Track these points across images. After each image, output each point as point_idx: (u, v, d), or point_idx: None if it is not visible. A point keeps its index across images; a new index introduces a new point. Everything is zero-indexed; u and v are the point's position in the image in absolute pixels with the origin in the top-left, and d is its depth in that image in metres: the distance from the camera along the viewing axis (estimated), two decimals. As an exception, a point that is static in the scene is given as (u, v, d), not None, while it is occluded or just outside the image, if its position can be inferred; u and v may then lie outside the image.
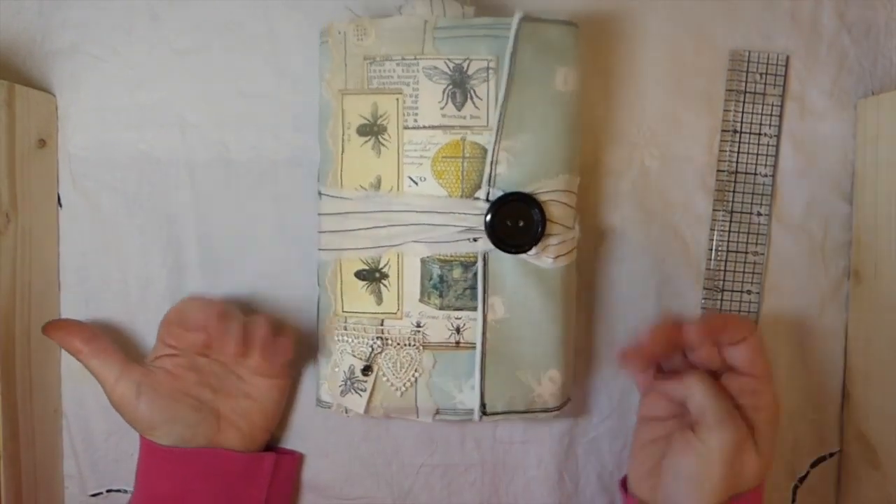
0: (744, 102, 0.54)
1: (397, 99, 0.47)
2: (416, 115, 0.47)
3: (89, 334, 0.49)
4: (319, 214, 0.49)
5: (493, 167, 0.47)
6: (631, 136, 0.54)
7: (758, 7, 0.54)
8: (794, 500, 0.56)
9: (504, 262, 0.47)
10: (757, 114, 0.54)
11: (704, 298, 0.55)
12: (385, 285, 0.48)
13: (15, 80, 0.49)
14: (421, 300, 0.48)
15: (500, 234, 0.46)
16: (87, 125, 0.53)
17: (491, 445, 0.55)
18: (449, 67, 0.47)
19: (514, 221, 0.46)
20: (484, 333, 0.48)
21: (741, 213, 0.55)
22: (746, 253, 0.55)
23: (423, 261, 0.48)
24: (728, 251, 0.55)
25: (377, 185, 0.48)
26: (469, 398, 0.48)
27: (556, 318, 0.48)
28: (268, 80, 0.53)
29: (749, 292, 0.55)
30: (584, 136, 0.53)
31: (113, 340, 0.50)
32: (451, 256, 0.48)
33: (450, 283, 0.48)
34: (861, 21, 0.55)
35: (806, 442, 0.56)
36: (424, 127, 0.47)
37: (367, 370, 0.48)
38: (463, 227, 0.47)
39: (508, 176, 0.47)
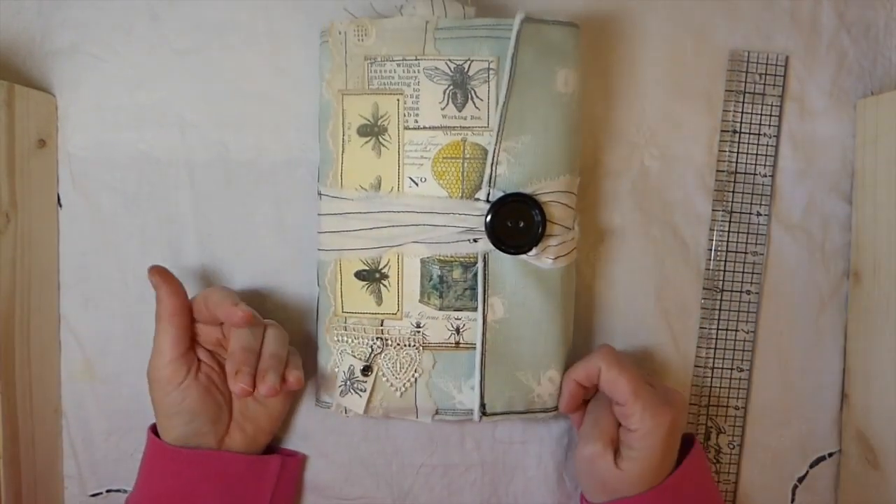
0: (743, 102, 0.54)
1: (398, 99, 0.47)
2: (417, 115, 0.47)
3: (181, 304, 0.48)
4: (319, 215, 0.49)
5: (494, 168, 0.47)
6: (631, 136, 0.54)
7: (758, 7, 0.54)
8: (793, 500, 0.56)
9: (504, 263, 0.47)
10: (756, 114, 0.55)
11: (704, 298, 0.55)
12: (385, 286, 0.48)
13: (15, 80, 0.49)
14: (421, 301, 0.48)
15: (501, 235, 0.46)
16: (87, 125, 0.53)
17: (491, 445, 0.55)
18: (450, 68, 0.47)
19: (515, 222, 0.46)
20: (484, 334, 0.48)
21: (741, 213, 0.55)
22: (746, 253, 0.55)
23: (423, 261, 0.48)
24: (728, 251, 0.55)
25: (377, 185, 0.48)
26: (469, 398, 0.49)
27: (556, 319, 0.48)
28: (268, 80, 0.53)
29: (749, 292, 0.55)
30: (584, 136, 0.53)
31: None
32: (451, 257, 0.48)
33: (450, 284, 0.48)
34: (861, 21, 0.55)
35: (805, 442, 0.56)
36: (425, 127, 0.47)
37: (366, 370, 0.49)
38: (463, 228, 0.47)
39: (509, 177, 0.47)
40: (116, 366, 0.54)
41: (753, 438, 0.56)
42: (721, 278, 0.55)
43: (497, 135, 0.46)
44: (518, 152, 0.47)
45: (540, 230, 0.46)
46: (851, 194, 0.55)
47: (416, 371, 0.48)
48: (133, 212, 0.54)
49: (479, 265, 0.47)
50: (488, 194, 0.47)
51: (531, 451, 0.55)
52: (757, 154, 0.55)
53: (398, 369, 0.48)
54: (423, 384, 0.49)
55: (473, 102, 0.47)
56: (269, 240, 0.54)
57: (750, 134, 0.55)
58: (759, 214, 0.55)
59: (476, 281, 0.48)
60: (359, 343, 0.49)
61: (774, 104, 0.55)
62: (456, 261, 0.48)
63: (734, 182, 0.55)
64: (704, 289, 0.55)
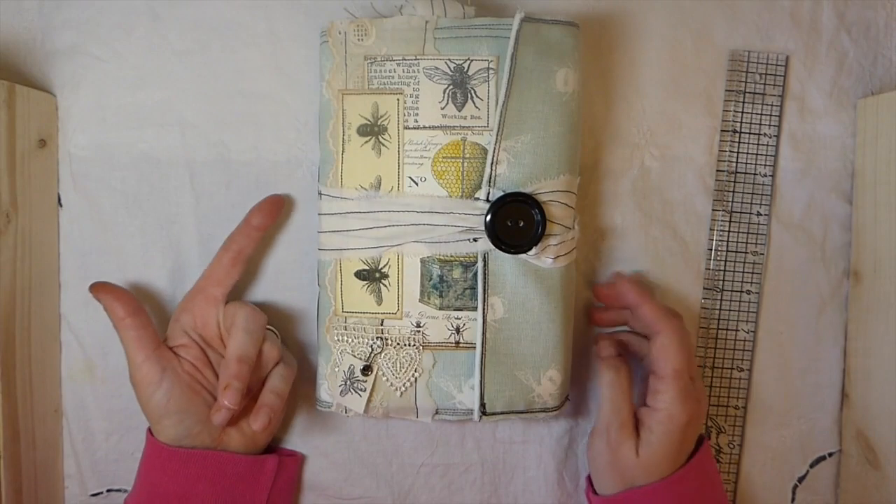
0: (743, 102, 0.54)
1: (398, 99, 0.47)
2: (417, 115, 0.47)
3: (134, 306, 0.49)
4: (319, 214, 0.49)
5: (494, 167, 0.47)
6: (631, 136, 0.54)
7: (758, 7, 0.54)
8: (793, 500, 0.56)
9: (504, 263, 0.47)
10: (757, 114, 0.55)
11: (704, 298, 0.55)
12: (385, 285, 0.48)
13: (15, 80, 0.49)
14: (421, 300, 0.48)
15: (500, 235, 0.46)
16: (87, 125, 0.53)
17: (491, 445, 0.55)
18: (450, 68, 0.47)
19: (515, 222, 0.46)
20: (484, 333, 0.48)
21: (741, 213, 0.55)
22: (746, 253, 0.55)
23: (423, 261, 0.48)
24: (728, 251, 0.55)
25: (377, 185, 0.48)
26: (469, 398, 0.49)
27: (556, 318, 0.48)
28: (268, 80, 0.53)
29: (749, 292, 0.55)
30: (584, 136, 0.53)
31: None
32: (451, 256, 0.48)
33: (450, 284, 0.48)
34: (861, 21, 0.55)
35: (805, 442, 0.56)
36: (425, 127, 0.47)
37: (366, 370, 0.49)
38: (463, 228, 0.47)
39: (508, 176, 0.47)
40: (117, 366, 0.54)
41: (753, 438, 0.56)
42: (721, 278, 0.55)
43: (497, 134, 0.46)
44: (518, 152, 0.47)
45: (540, 230, 0.46)
46: (851, 194, 0.55)
47: (416, 371, 0.48)
48: (133, 212, 0.54)
49: (479, 265, 0.47)
50: (488, 194, 0.47)
51: (531, 451, 0.55)
52: (757, 154, 0.55)
53: (398, 369, 0.48)
54: (423, 384, 0.49)
55: (473, 102, 0.47)
56: (268, 240, 0.54)
57: (750, 134, 0.55)
58: (759, 214, 0.55)
59: (476, 280, 0.48)
60: (359, 343, 0.49)
61: (775, 104, 0.55)
62: (456, 260, 0.48)
63: (734, 182, 0.55)
64: (704, 289, 0.55)
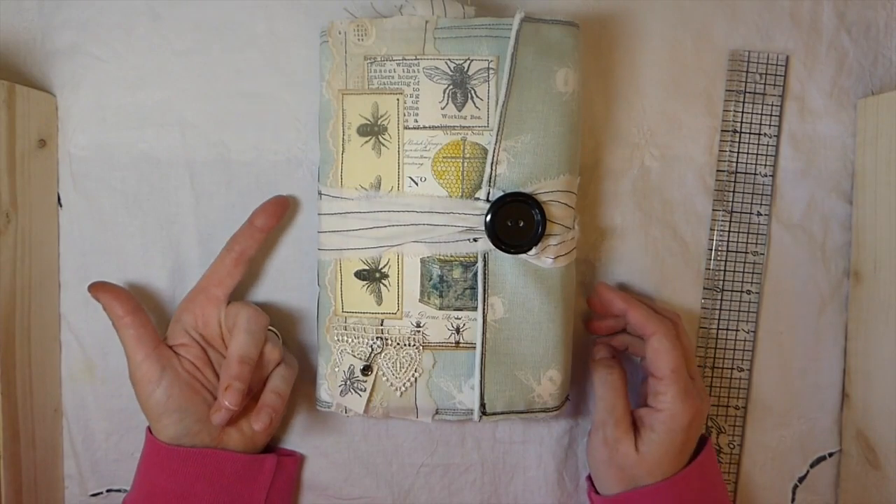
0: (744, 102, 0.54)
1: (398, 99, 0.47)
2: (417, 115, 0.47)
3: (133, 305, 0.49)
4: (319, 214, 0.49)
5: (494, 167, 0.47)
6: (631, 136, 0.54)
7: (758, 7, 0.54)
8: (793, 500, 0.56)
9: (504, 263, 0.47)
10: (757, 114, 0.55)
11: (704, 298, 0.55)
12: (385, 285, 0.48)
13: (15, 80, 0.49)
14: (421, 300, 0.48)
15: (500, 235, 0.46)
16: (87, 125, 0.53)
17: (491, 445, 0.55)
18: (450, 67, 0.47)
19: (515, 222, 0.46)
20: (484, 333, 0.48)
21: (741, 213, 0.55)
22: (746, 253, 0.55)
23: (423, 261, 0.48)
24: (728, 251, 0.55)
25: (377, 185, 0.48)
26: (469, 398, 0.48)
27: (556, 318, 0.48)
28: (268, 80, 0.53)
29: (749, 292, 0.55)
30: (584, 136, 0.53)
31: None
32: (452, 256, 0.48)
33: (450, 284, 0.48)
34: (861, 21, 0.55)
35: (806, 442, 0.56)
36: (425, 127, 0.47)
37: (366, 370, 0.49)
38: (463, 228, 0.47)
39: (509, 176, 0.47)
40: (116, 366, 0.54)
41: (753, 438, 0.56)
42: (721, 278, 0.55)
43: (497, 134, 0.46)
44: (518, 152, 0.47)
45: (540, 230, 0.46)
46: (851, 194, 0.55)
47: (416, 371, 0.48)
48: (133, 212, 0.54)
49: (479, 265, 0.47)
50: (488, 194, 0.47)
51: (531, 451, 0.55)
52: (757, 154, 0.55)
53: (398, 369, 0.48)
54: (423, 384, 0.49)
55: (473, 102, 0.47)
56: (269, 240, 0.54)
57: (750, 134, 0.55)
58: (759, 214, 0.55)
59: (476, 280, 0.48)
60: (359, 343, 0.49)
61: (775, 104, 0.55)
62: (456, 260, 0.48)
63: (734, 182, 0.55)
64: (704, 289, 0.55)
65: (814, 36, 0.55)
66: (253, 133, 0.53)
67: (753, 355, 0.55)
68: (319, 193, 0.49)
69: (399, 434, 0.55)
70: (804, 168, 0.55)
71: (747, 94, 0.54)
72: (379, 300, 0.48)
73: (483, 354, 0.48)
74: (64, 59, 0.53)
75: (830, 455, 0.56)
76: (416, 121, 0.47)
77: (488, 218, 0.46)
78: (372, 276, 0.48)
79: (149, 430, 0.50)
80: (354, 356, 0.49)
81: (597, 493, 0.51)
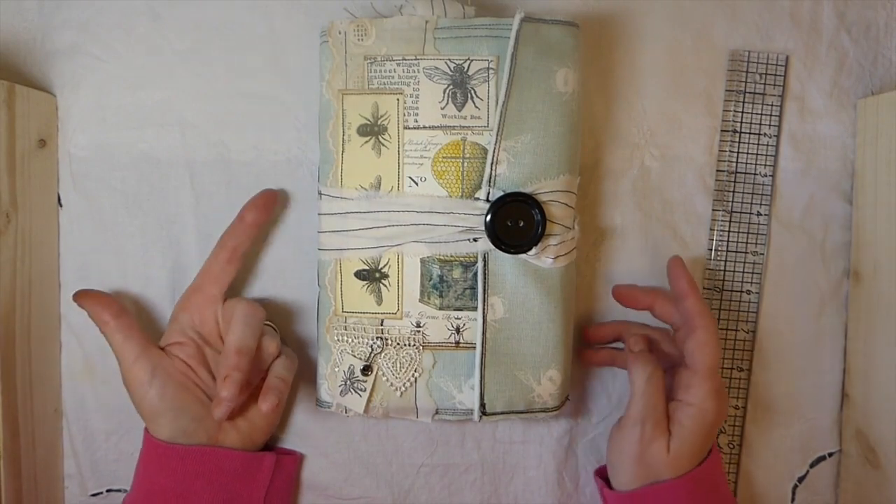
0: (744, 102, 0.54)
1: (398, 99, 0.47)
2: (417, 115, 0.47)
3: (118, 309, 0.49)
4: (319, 214, 0.49)
5: (494, 167, 0.47)
6: (631, 136, 0.54)
7: (758, 7, 0.54)
8: (793, 500, 0.56)
9: (504, 263, 0.47)
10: (757, 114, 0.55)
11: (704, 298, 0.55)
12: (385, 285, 0.48)
13: (15, 80, 0.49)
14: (421, 300, 0.48)
15: (500, 235, 0.46)
16: (87, 125, 0.53)
17: (491, 445, 0.55)
18: (450, 68, 0.47)
19: (514, 222, 0.46)
20: (484, 333, 0.48)
21: (741, 213, 0.55)
22: (746, 253, 0.55)
23: (423, 261, 0.48)
24: (728, 251, 0.55)
25: (377, 185, 0.48)
26: (469, 398, 0.49)
27: (556, 318, 0.48)
28: (268, 80, 0.53)
29: (749, 292, 0.55)
30: (584, 136, 0.53)
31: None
32: (451, 256, 0.48)
33: (450, 284, 0.48)
34: (861, 21, 0.55)
35: (805, 442, 0.56)
36: (425, 127, 0.47)
37: (366, 370, 0.49)
38: (463, 228, 0.47)
39: (508, 176, 0.47)
40: (116, 366, 0.53)
41: (753, 438, 0.56)
42: (721, 278, 0.55)
43: (497, 134, 0.46)
44: (518, 152, 0.47)
45: (540, 230, 0.46)
46: (851, 194, 0.55)
47: (416, 371, 0.48)
48: (133, 212, 0.54)
49: (479, 265, 0.47)
50: (488, 194, 0.47)
51: (531, 451, 0.55)
52: (757, 154, 0.55)
53: (398, 369, 0.48)
54: (423, 384, 0.49)
55: (473, 102, 0.47)
56: (268, 239, 0.54)
57: (750, 134, 0.55)
58: (759, 214, 0.55)
59: (476, 280, 0.48)
60: (359, 343, 0.49)
61: (775, 104, 0.55)
62: (456, 260, 0.48)
63: (734, 182, 0.55)
64: (704, 289, 0.55)
65: (814, 36, 0.55)
66: (253, 133, 0.53)
67: (753, 355, 0.55)
68: (319, 193, 0.49)
69: (399, 434, 0.55)
70: (804, 168, 0.55)
71: (747, 94, 0.54)
72: (379, 300, 0.48)
73: (483, 354, 0.48)
74: (64, 59, 0.53)
75: (830, 455, 0.56)
76: (416, 121, 0.47)
77: (488, 218, 0.46)
78: (372, 276, 0.48)
79: (146, 428, 0.50)
80: (354, 356, 0.49)
81: (609, 488, 0.50)
